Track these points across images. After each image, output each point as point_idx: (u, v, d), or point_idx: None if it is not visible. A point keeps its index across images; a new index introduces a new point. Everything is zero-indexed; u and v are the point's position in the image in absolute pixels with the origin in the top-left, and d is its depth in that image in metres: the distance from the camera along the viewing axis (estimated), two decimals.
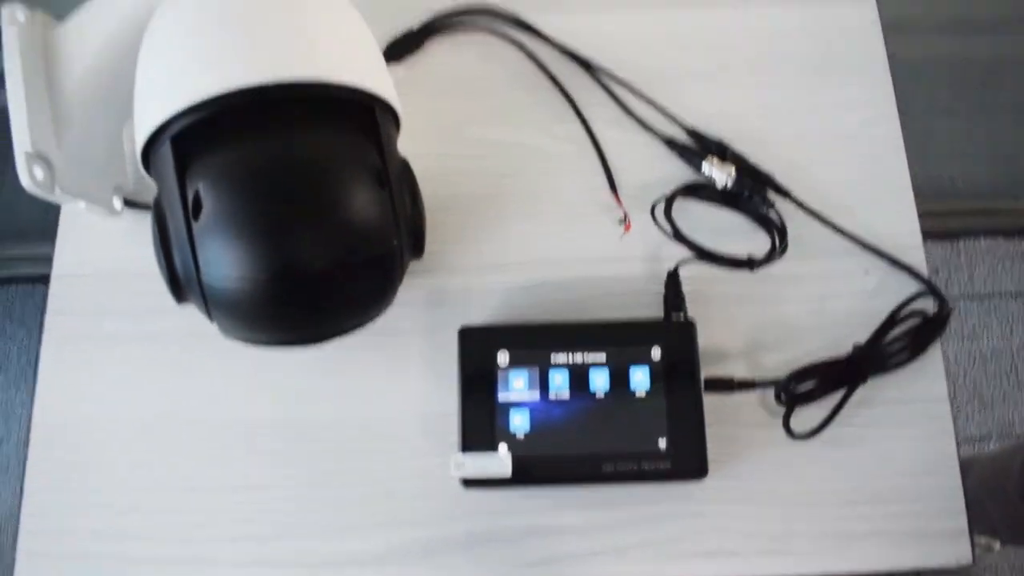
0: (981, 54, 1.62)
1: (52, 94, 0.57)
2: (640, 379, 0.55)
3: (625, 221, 0.63)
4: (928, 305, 0.60)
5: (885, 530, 0.56)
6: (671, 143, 0.65)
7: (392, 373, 0.60)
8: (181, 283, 0.51)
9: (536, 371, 0.55)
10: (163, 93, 0.50)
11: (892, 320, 0.59)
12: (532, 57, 0.69)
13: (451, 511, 0.57)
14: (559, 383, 0.55)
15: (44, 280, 0.64)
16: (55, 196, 0.55)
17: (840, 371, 0.58)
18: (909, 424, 0.58)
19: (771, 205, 0.62)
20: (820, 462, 0.57)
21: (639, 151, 0.66)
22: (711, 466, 0.53)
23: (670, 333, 0.56)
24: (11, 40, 0.55)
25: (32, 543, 0.57)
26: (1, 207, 1.38)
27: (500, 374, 0.55)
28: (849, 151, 0.66)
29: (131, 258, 0.63)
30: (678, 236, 0.60)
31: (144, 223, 0.63)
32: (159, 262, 0.51)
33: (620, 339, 0.56)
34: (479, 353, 0.56)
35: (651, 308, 0.60)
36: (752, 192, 0.62)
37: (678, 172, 0.65)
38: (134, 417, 0.60)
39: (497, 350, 0.56)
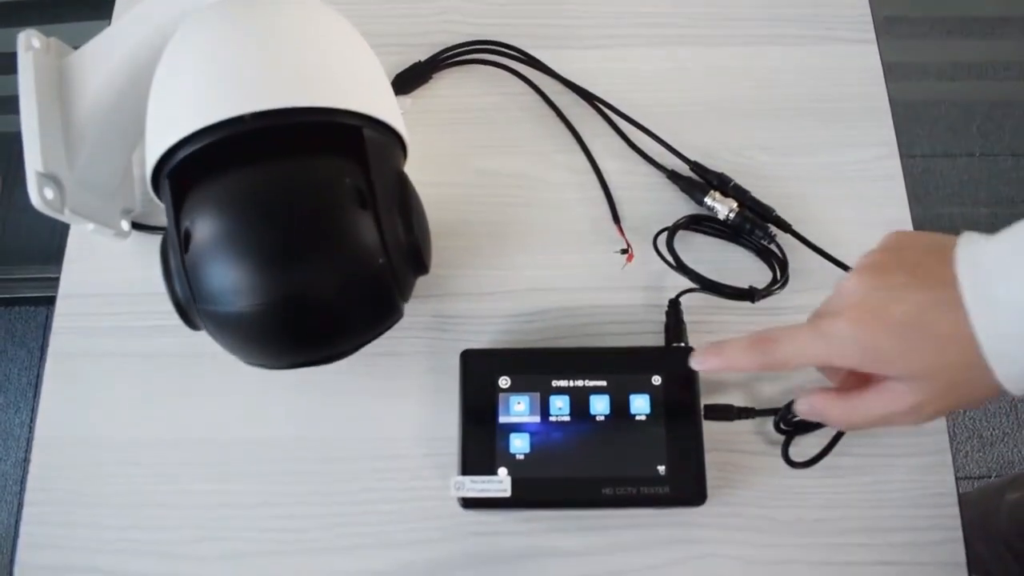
0: (982, 97, 1.65)
1: (64, 118, 0.58)
2: (640, 405, 0.55)
3: (627, 251, 0.63)
4: None
5: (883, 560, 0.56)
6: (674, 175, 0.66)
7: (394, 395, 0.60)
8: (184, 311, 0.52)
9: (537, 396, 0.55)
10: (163, 127, 0.51)
11: None
12: (537, 90, 0.70)
13: (451, 532, 0.57)
14: (560, 407, 0.55)
15: (47, 302, 0.65)
16: (64, 216, 0.56)
17: None
18: (908, 455, 0.58)
19: (773, 238, 0.63)
20: (819, 491, 0.57)
21: (642, 183, 0.67)
22: (710, 492, 0.53)
23: (671, 360, 0.57)
24: (26, 65, 0.57)
25: (31, 557, 0.57)
26: (7, 230, 1.39)
27: (501, 397, 0.55)
28: (850, 189, 0.66)
29: (137, 279, 0.64)
30: (680, 267, 0.61)
31: (150, 245, 0.64)
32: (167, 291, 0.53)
33: (621, 365, 0.56)
34: (481, 376, 0.56)
35: (652, 338, 0.61)
36: (754, 225, 0.63)
37: (680, 205, 0.66)
38: (136, 434, 0.60)
39: (498, 374, 0.56)
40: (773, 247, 0.63)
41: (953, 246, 0.42)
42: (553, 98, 0.70)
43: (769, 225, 0.63)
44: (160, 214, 0.54)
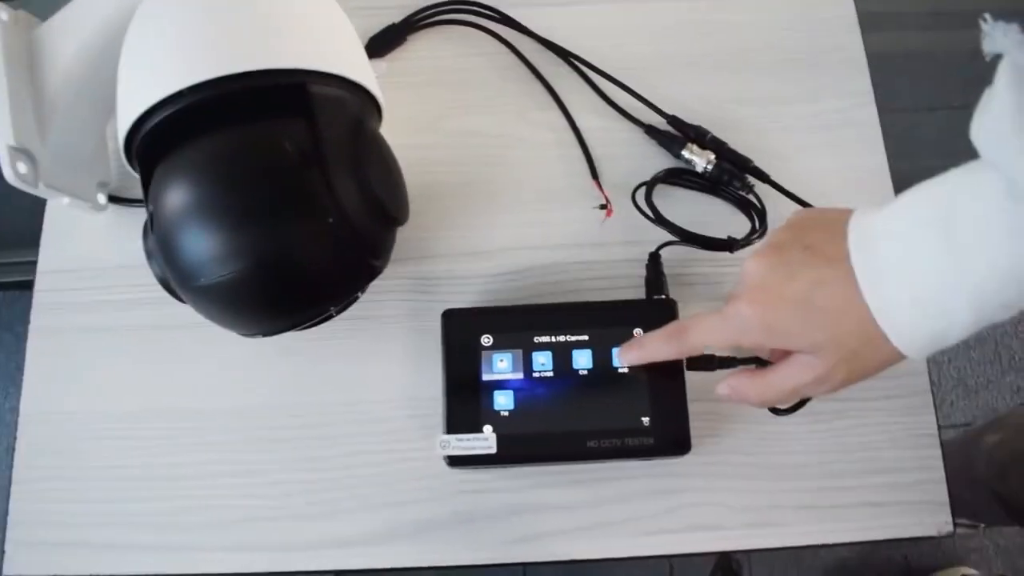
0: (963, 47, 1.64)
1: (35, 91, 0.58)
2: None
3: (606, 207, 0.63)
4: None
5: (868, 501, 0.56)
6: (651, 130, 0.66)
7: (377, 358, 0.61)
8: (168, 288, 0.53)
9: (519, 352, 0.55)
10: (126, 100, 0.51)
11: None
12: (512, 49, 0.70)
13: (437, 492, 0.57)
14: (543, 363, 0.55)
15: (31, 286, 0.64)
16: (39, 190, 0.56)
17: None
18: (890, 398, 0.59)
19: (751, 188, 0.63)
20: (802, 436, 0.58)
21: (619, 139, 0.67)
22: (694, 442, 0.54)
23: (652, 312, 0.57)
24: None
25: (21, 533, 0.58)
26: None
27: (484, 355, 0.55)
28: (827, 140, 0.67)
29: (116, 252, 0.64)
30: (659, 220, 0.61)
31: (128, 217, 0.64)
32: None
33: (603, 319, 0.56)
34: (463, 335, 0.56)
35: (633, 292, 0.61)
36: (732, 176, 0.63)
37: (659, 159, 0.65)
38: (120, 407, 0.60)
39: (481, 332, 0.56)
40: (751, 197, 0.63)
41: (847, 221, 0.43)
42: (529, 56, 0.69)
43: (747, 175, 0.63)
44: (136, 187, 0.54)
